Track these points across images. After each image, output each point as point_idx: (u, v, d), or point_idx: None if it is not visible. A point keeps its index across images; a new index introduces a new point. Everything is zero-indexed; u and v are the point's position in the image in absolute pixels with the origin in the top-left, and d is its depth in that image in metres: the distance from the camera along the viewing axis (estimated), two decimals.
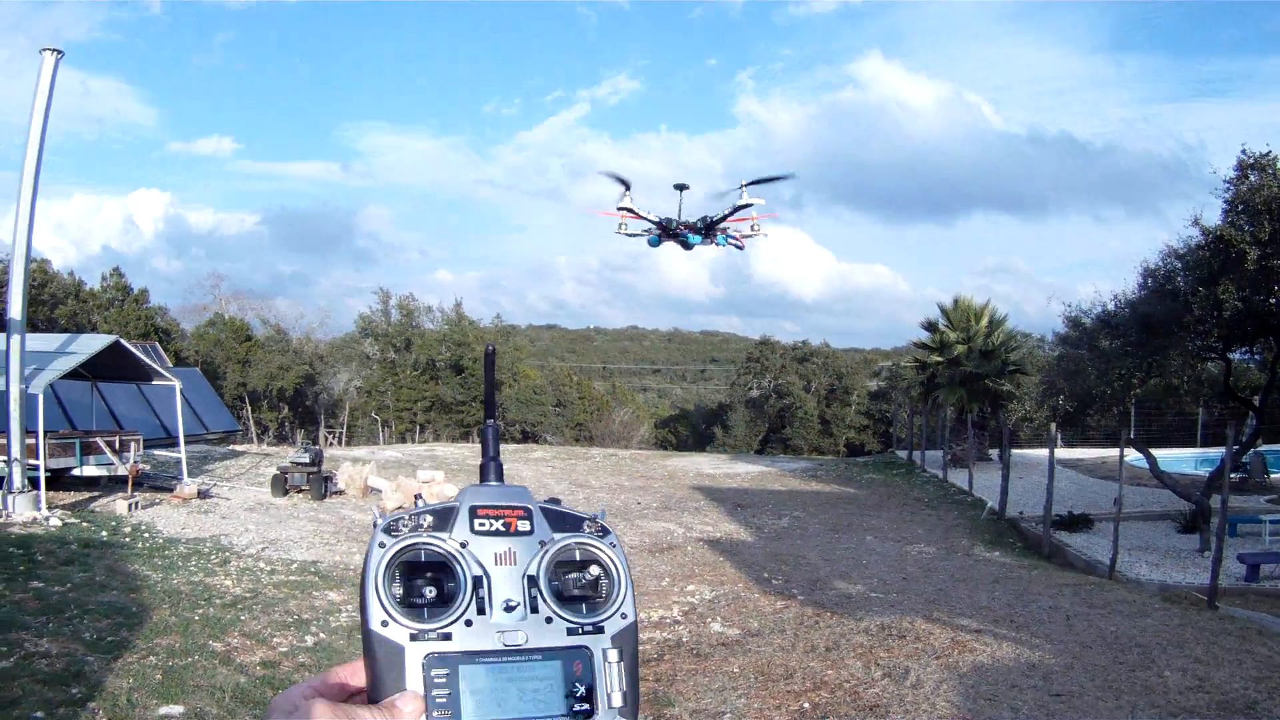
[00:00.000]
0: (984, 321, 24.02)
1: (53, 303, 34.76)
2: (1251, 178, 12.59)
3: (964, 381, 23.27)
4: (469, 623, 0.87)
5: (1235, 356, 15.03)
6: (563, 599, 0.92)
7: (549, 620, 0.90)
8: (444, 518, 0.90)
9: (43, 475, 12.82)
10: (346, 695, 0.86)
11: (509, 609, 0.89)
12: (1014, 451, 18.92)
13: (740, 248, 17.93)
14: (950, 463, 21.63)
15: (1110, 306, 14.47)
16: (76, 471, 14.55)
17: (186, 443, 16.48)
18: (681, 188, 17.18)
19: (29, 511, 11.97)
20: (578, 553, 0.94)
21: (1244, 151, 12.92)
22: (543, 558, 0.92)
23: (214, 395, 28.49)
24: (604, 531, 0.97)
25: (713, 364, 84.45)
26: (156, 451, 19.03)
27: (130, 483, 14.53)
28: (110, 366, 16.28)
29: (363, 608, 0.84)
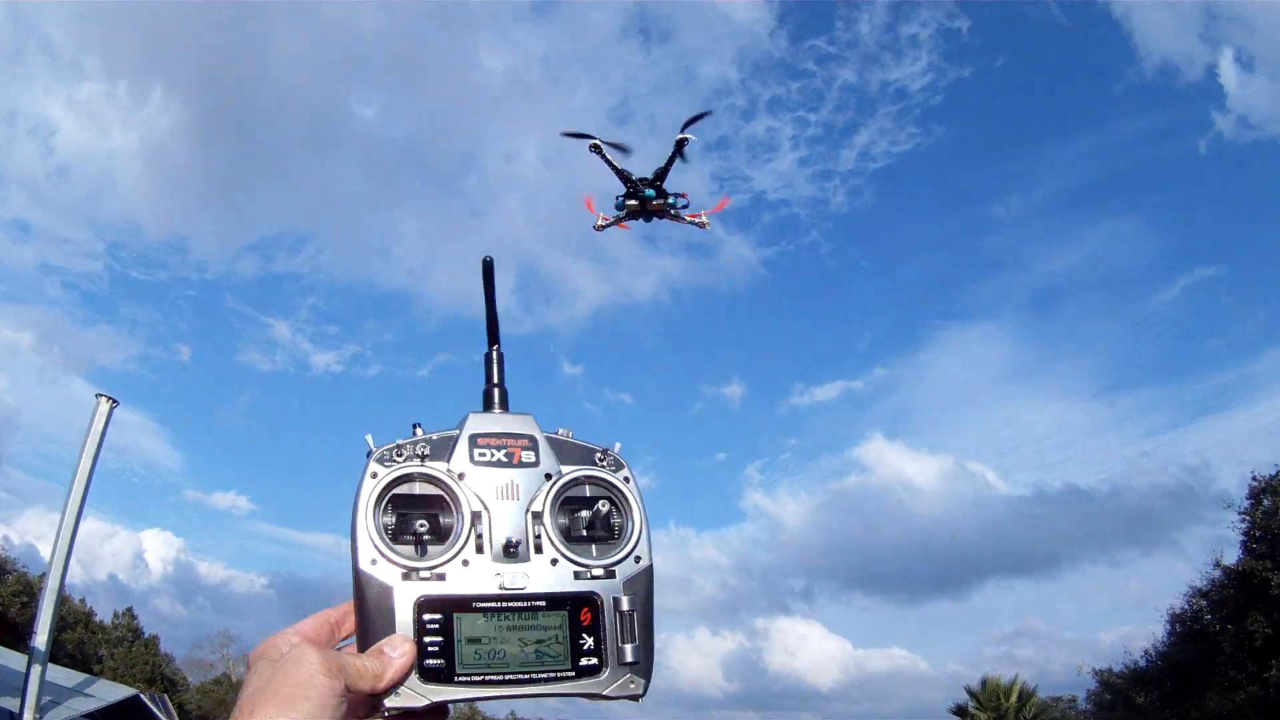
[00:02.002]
0: (1013, 698, 23.50)
1: (61, 625, 33.71)
2: (1265, 503, 12.96)
3: None
4: (466, 562, 0.79)
5: (1272, 673, 14.30)
6: (570, 538, 0.84)
7: (554, 562, 0.82)
8: (442, 447, 0.82)
9: None
10: (337, 641, 0.81)
11: (510, 548, 0.80)
12: None
13: (704, 226, 17.27)
14: None
15: (1141, 661, 14.74)
16: None
17: None
18: (618, 147, 16.92)
19: None
20: (588, 487, 0.86)
21: (1254, 477, 13.52)
22: (549, 492, 0.83)
23: None
24: (618, 465, 0.88)
25: None
26: None
27: None
28: (122, 714, 15.71)
29: (352, 544, 0.77)
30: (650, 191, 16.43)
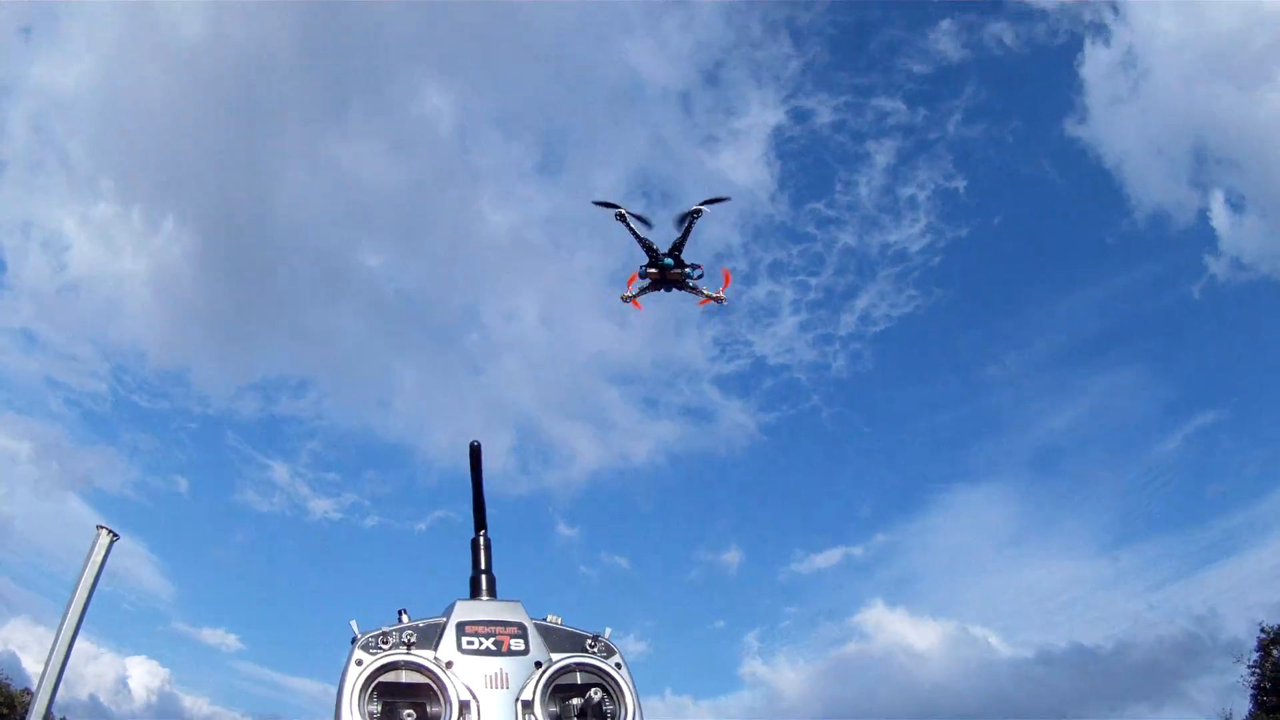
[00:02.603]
0: None
1: None
2: (1275, 654, 12.93)
3: None
4: None
5: None
6: None
7: None
8: (428, 635, 0.82)
9: None
10: None
11: None
12: None
13: (721, 301, 19.04)
14: None
15: None
16: None
17: None
18: (640, 218, 18.39)
19: None
20: (579, 675, 0.84)
21: (1262, 629, 13.63)
22: (539, 681, 0.82)
23: None
24: (609, 651, 0.87)
25: None
26: None
27: None
28: None
29: None
30: (669, 260, 17.52)
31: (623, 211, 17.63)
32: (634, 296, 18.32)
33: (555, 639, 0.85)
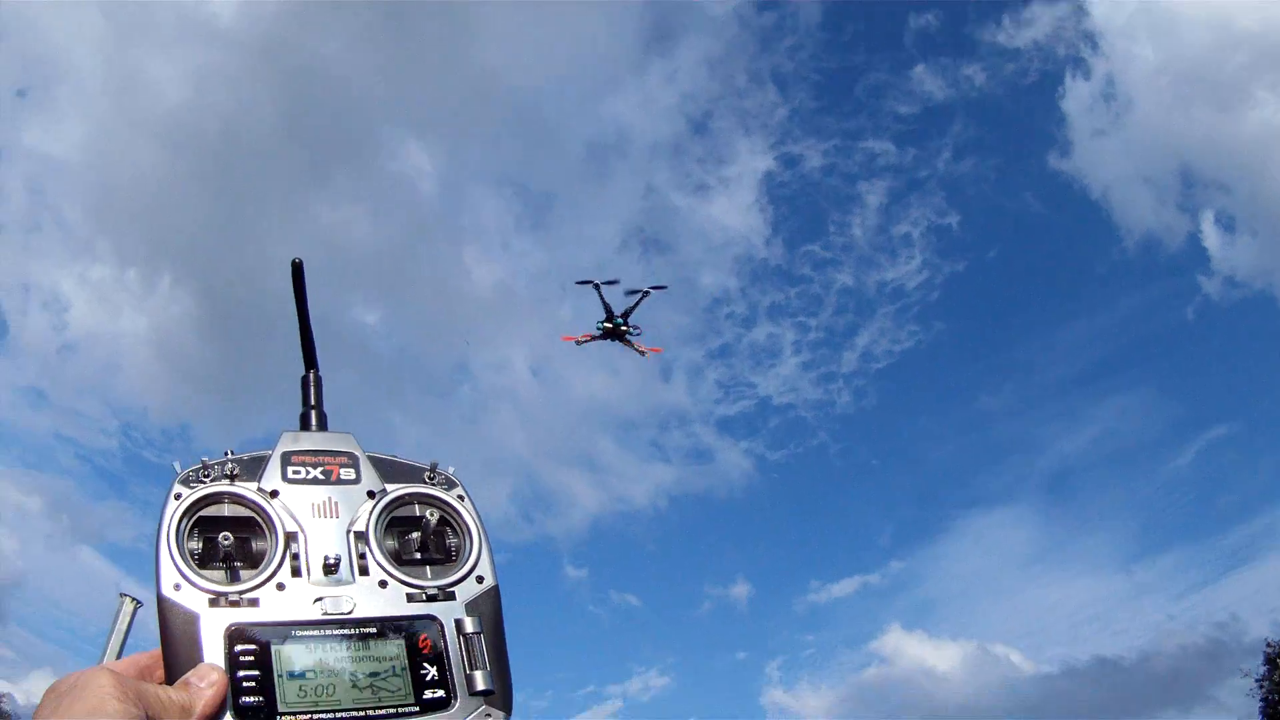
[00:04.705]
0: None
1: None
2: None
3: None
4: (281, 586, 0.71)
5: None
6: (401, 562, 0.76)
7: (383, 584, 0.74)
8: (252, 467, 0.76)
9: None
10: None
11: (330, 568, 0.73)
12: None
13: (643, 354, 25.91)
14: None
15: None
16: None
17: None
18: (610, 283, 25.20)
19: None
20: (417, 506, 0.79)
21: (1268, 644, 13.91)
22: (373, 510, 0.76)
23: None
24: (450, 483, 0.81)
25: None
26: None
27: None
28: None
29: (156, 571, 0.69)
30: (620, 320, 24.80)
31: (596, 283, 24.64)
32: (581, 341, 25.51)
33: (390, 470, 0.77)
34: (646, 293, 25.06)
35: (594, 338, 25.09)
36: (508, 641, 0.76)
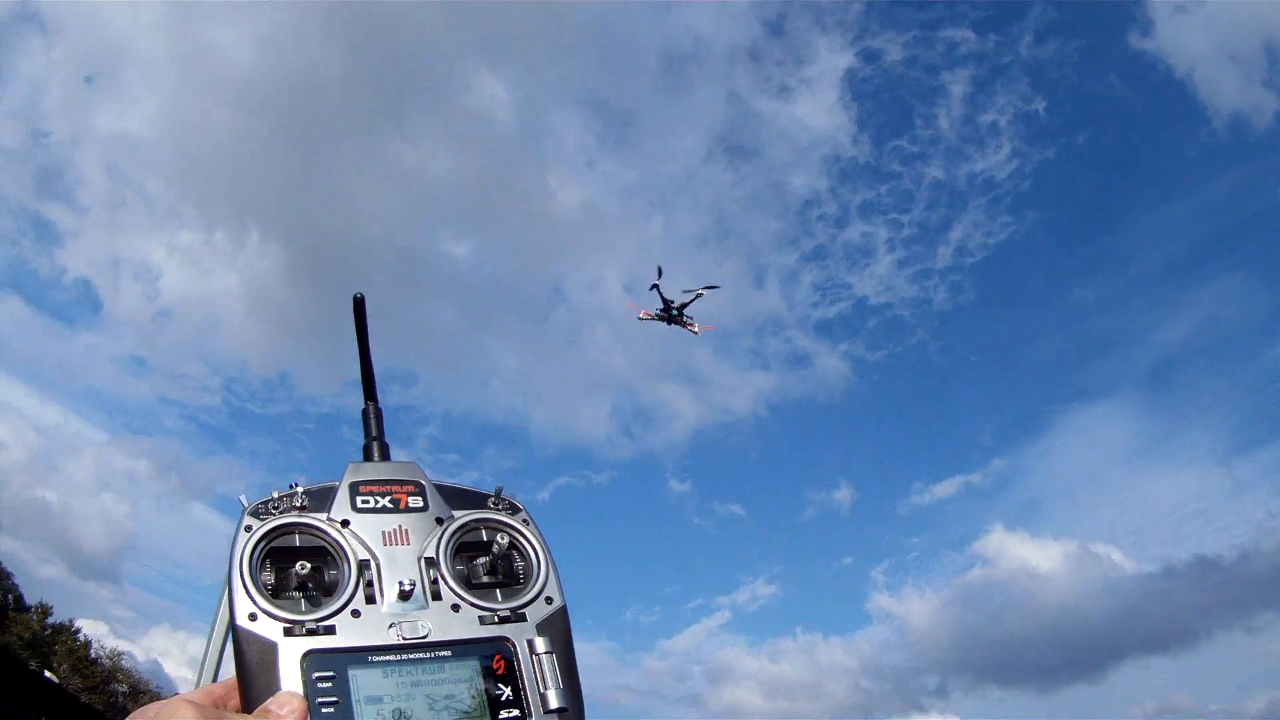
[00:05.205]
0: None
1: None
2: None
3: None
4: (356, 613, 0.73)
5: None
6: (471, 586, 0.78)
7: (455, 608, 0.76)
8: (321, 498, 0.77)
9: None
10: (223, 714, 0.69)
11: (404, 594, 0.74)
12: None
13: (695, 333, 30.43)
14: None
15: None
16: None
17: None
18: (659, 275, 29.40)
19: None
20: (484, 531, 0.80)
21: None
22: (442, 536, 0.78)
23: None
24: (514, 508, 0.83)
25: None
26: None
27: None
28: None
29: (229, 601, 0.71)
30: (676, 311, 29.51)
31: (658, 284, 29.22)
32: (642, 317, 30.02)
33: (455, 497, 0.80)
34: (700, 293, 29.82)
35: (653, 318, 29.97)
36: (577, 660, 0.77)
